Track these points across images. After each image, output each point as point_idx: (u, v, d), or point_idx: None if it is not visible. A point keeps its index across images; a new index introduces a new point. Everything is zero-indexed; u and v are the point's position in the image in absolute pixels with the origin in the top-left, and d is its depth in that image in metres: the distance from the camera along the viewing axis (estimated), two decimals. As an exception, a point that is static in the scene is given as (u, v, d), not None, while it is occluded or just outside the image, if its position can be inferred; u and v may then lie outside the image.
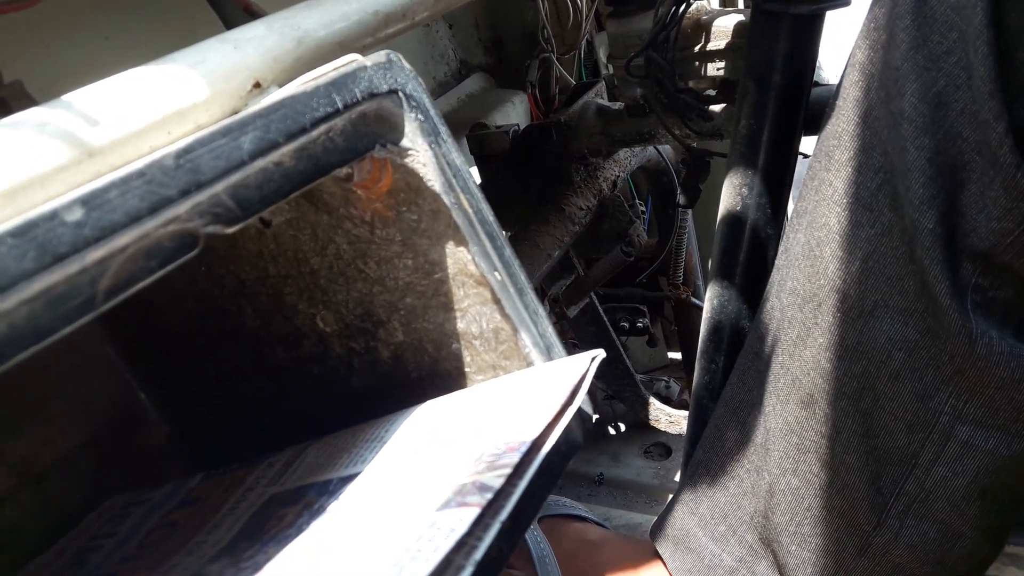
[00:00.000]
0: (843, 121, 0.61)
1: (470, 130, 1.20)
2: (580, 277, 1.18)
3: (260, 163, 0.40)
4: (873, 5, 0.59)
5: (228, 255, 0.63)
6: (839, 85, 0.63)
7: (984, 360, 0.54)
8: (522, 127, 1.20)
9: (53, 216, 0.31)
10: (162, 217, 0.36)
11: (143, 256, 0.36)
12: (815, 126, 0.73)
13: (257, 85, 0.53)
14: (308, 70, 0.52)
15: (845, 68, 0.62)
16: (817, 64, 0.87)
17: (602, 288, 1.39)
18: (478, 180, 1.29)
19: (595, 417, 1.56)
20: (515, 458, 0.40)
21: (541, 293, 1.23)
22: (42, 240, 0.31)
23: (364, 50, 0.62)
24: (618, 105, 1.09)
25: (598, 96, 1.13)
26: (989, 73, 0.50)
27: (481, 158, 1.21)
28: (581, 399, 0.48)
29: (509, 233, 1.15)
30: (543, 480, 0.45)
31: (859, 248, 0.59)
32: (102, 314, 0.63)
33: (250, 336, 0.67)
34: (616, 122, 1.08)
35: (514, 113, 1.38)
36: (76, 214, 0.32)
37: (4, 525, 0.68)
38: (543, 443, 0.43)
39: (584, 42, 1.34)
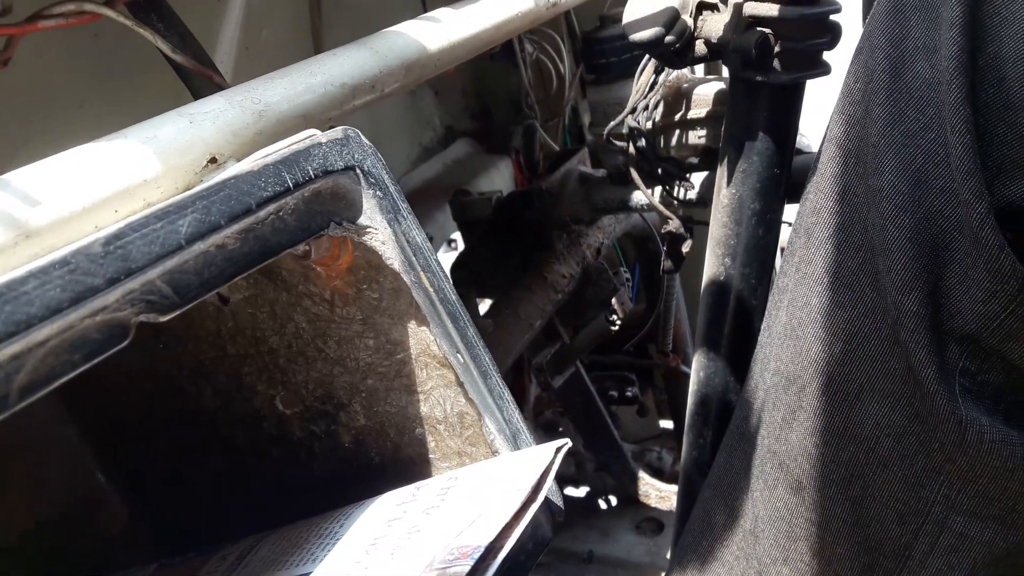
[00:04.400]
0: (822, 197, 0.59)
1: (453, 196, 1.19)
2: (565, 346, 1.15)
3: (200, 246, 0.38)
4: (848, 79, 0.58)
5: (186, 334, 0.60)
6: (816, 160, 0.61)
7: (975, 448, 0.51)
8: (506, 193, 1.19)
9: (-45, 312, 0.29)
10: (88, 308, 0.34)
11: (66, 350, 0.34)
12: (798, 194, 0.72)
13: (213, 160, 0.51)
14: (270, 143, 0.50)
15: (822, 143, 0.60)
16: (799, 131, 0.86)
17: (589, 356, 1.36)
18: (461, 246, 1.28)
19: (585, 490, 1.52)
20: (466, 567, 0.36)
21: (525, 363, 1.20)
22: (-61, 339, 0.28)
23: (330, 122, 0.61)
24: (601, 172, 1.08)
25: (581, 163, 1.12)
26: (967, 152, 0.48)
27: (464, 224, 1.20)
28: (545, 493, 0.45)
29: (491, 299, 1.13)
30: (506, 582, 0.42)
31: (842, 329, 0.57)
32: (61, 394, 0.60)
33: (209, 417, 0.64)
34: (599, 189, 1.07)
35: (499, 179, 1.38)
36: (-19, 309, 0.30)
37: (-59, 621, 0.64)
38: (501, 546, 0.39)
39: (569, 108, 1.34)
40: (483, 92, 1.45)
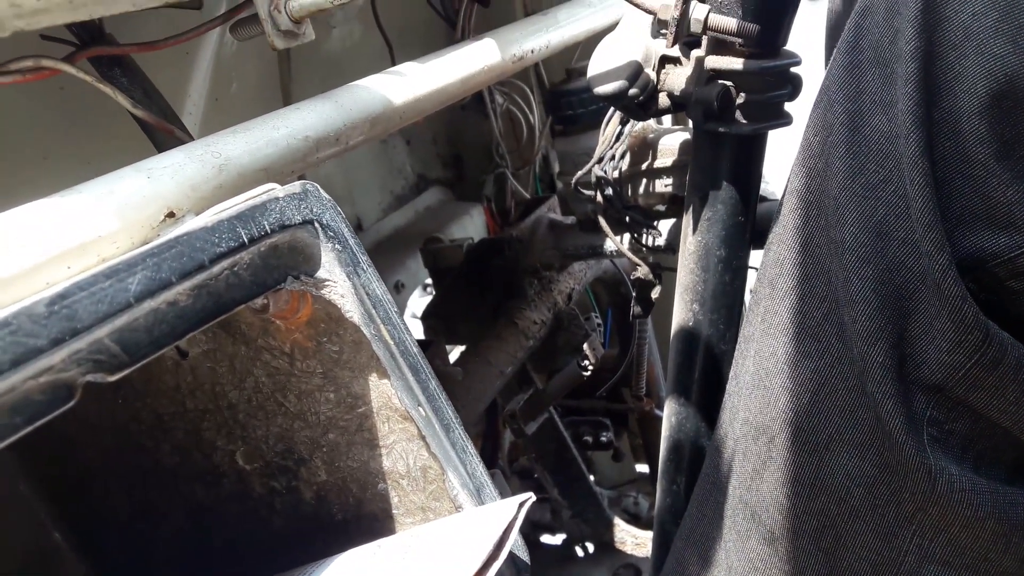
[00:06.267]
0: (784, 249, 0.59)
1: (424, 243, 1.20)
2: (538, 391, 1.14)
3: (150, 304, 0.37)
4: (807, 133, 0.59)
5: (144, 388, 0.59)
6: (778, 212, 0.62)
7: (946, 499, 0.51)
8: (478, 240, 1.19)
9: None
10: (30, 369, 0.33)
11: (7, 413, 0.33)
12: (763, 241, 0.72)
13: (171, 215, 0.51)
14: (231, 197, 0.50)
15: (784, 194, 0.61)
16: (763, 178, 0.87)
17: (564, 401, 1.36)
18: (432, 294, 1.28)
19: (562, 537, 1.50)
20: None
21: (499, 409, 1.19)
22: None
23: (294, 175, 0.61)
24: (571, 219, 1.09)
25: (551, 211, 1.13)
26: (927, 204, 0.49)
27: (435, 272, 1.19)
28: (509, 549, 0.44)
29: (463, 347, 1.13)
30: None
31: (809, 380, 0.57)
32: (16, 448, 0.58)
33: (168, 473, 0.62)
34: (569, 236, 1.07)
35: (472, 226, 1.38)
36: (-88, 375, 0.29)
37: None
38: (461, 608, 0.38)
39: (540, 157, 1.35)
40: (455, 141, 1.46)
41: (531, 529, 1.48)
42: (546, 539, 1.51)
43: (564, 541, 1.48)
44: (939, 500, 0.52)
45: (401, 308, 1.32)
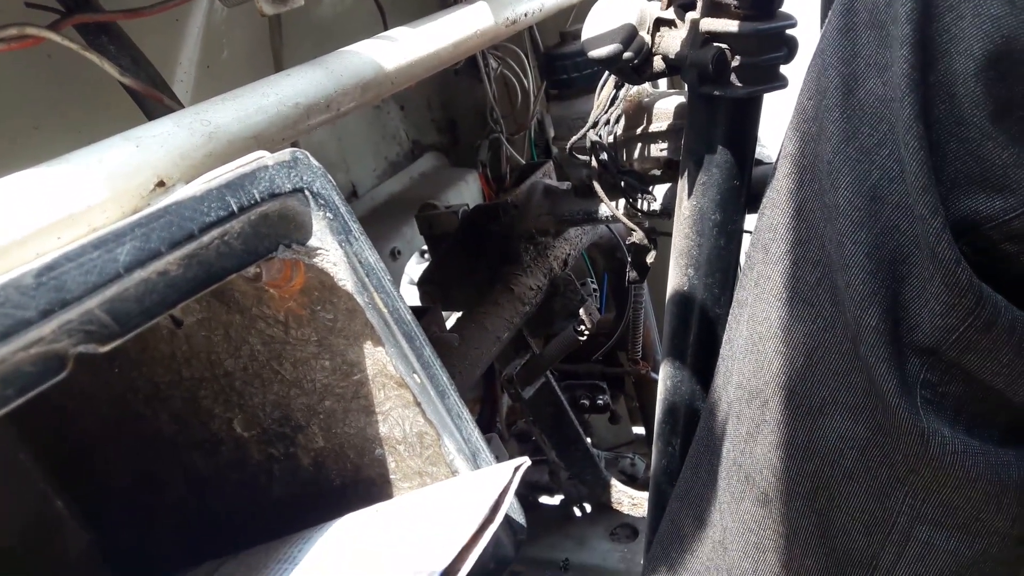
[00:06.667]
0: (778, 214, 0.59)
1: (419, 210, 1.19)
2: (535, 356, 1.15)
3: (140, 274, 0.37)
4: (801, 96, 0.58)
5: (140, 357, 0.59)
6: (771, 176, 0.61)
7: (938, 460, 0.52)
8: (473, 206, 1.19)
9: None
10: (20, 341, 0.33)
11: (-3, 384, 0.33)
12: (759, 204, 0.72)
13: (161, 183, 0.50)
14: (221, 165, 0.50)
15: (778, 159, 0.61)
16: (759, 141, 0.86)
17: (561, 365, 1.36)
18: (428, 260, 1.27)
19: (560, 498, 1.51)
20: (419, 593, 0.36)
21: (497, 374, 1.20)
22: None
23: (285, 143, 0.61)
24: (566, 185, 1.09)
25: (546, 176, 1.12)
26: (921, 167, 0.48)
27: (431, 238, 1.19)
28: (504, 512, 0.44)
29: (459, 313, 1.13)
30: (464, 604, 0.41)
31: (802, 344, 0.57)
32: (14, 419, 0.59)
33: (167, 442, 0.63)
34: (564, 202, 1.07)
35: (467, 192, 1.38)
36: (-101, 349, 0.29)
37: None
38: (458, 569, 0.39)
39: (535, 121, 1.34)
40: (449, 106, 1.45)
41: (529, 490, 1.49)
42: (544, 500, 1.53)
43: (562, 502, 1.50)
44: (932, 462, 0.52)
45: (398, 275, 1.32)
